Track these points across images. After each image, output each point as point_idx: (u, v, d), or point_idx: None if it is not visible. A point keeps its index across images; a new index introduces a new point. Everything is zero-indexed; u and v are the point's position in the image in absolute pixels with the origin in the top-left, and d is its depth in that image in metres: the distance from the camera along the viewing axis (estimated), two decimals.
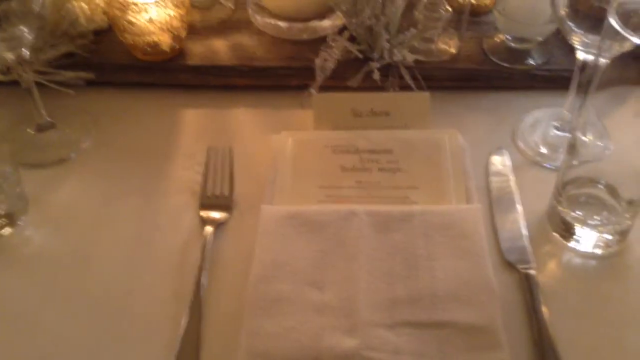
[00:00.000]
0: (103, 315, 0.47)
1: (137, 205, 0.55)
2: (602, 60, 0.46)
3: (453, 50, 0.65)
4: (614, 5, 0.43)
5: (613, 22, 0.42)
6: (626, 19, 0.47)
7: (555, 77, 0.63)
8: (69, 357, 0.45)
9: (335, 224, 0.49)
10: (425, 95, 0.58)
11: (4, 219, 0.52)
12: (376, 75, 0.58)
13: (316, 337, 0.42)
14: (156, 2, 0.58)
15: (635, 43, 0.43)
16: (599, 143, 0.50)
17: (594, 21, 0.53)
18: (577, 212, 0.50)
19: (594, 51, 0.52)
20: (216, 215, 0.53)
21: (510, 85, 0.64)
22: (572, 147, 0.49)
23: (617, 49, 0.45)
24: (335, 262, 0.47)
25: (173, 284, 0.48)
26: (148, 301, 0.48)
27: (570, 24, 0.51)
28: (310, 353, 0.42)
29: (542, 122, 0.61)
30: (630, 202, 0.49)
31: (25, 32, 0.52)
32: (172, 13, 0.60)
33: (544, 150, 0.58)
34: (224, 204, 0.54)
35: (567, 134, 0.59)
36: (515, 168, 0.57)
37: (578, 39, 0.52)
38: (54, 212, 0.54)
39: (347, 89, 0.61)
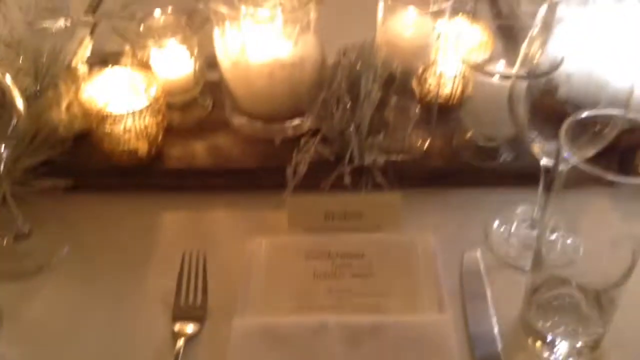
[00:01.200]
0: None
1: (110, 316, 0.55)
2: (562, 167, 0.47)
3: (423, 147, 0.66)
4: (567, 123, 0.45)
5: (563, 143, 0.43)
6: (584, 128, 0.48)
7: (524, 173, 0.64)
8: None
9: (306, 339, 0.49)
10: (397, 196, 0.59)
11: None
12: (347, 180, 0.59)
13: None
14: (132, 113, 0.60)
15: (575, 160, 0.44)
16: (569, 243, 0.51)
17: (554, 128, 0.55)
18: (549, 320, 0.50)
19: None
20: (189, 328, 0.53)
21: (481, 182, 0.65)
22: (538, 256, 0.50)
23: (578, 157, 0.46)
24: None
25: None
26: None
27: (531, 134, 0.53)
28: None
29: (514, 221, 0.61)
30: (601, 307, 0.49)
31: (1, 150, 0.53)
32: (148, 121, 0.62)
33: (516, 250, 0.59)
34: (197, 315, 0.54)
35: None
36: (488, 269, 0.58)
37: (539, 148, 0.53)
38: (28, 327, 0.54)
39: (320, 190, 0.62)
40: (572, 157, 0.43)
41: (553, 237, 0.50)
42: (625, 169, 0.51)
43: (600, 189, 0.46)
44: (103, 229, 0.63)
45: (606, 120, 0.49)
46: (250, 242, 0.59)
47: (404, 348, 0.48)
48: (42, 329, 0.54)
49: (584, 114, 0.46)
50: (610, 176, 0.41)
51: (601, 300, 0.48)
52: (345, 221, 0.59)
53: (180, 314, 0.54)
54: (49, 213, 0.62)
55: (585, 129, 0.48)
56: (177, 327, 0.53)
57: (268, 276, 0.55)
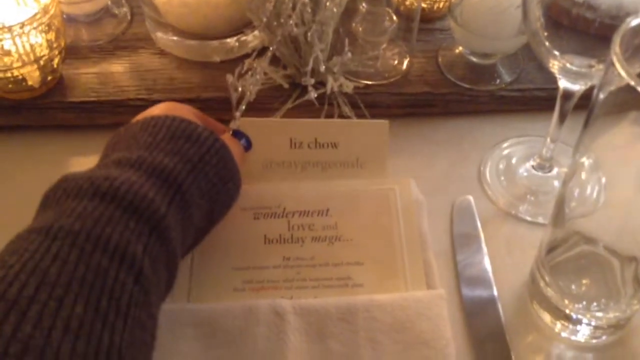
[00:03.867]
0: None
1: None
2: (602, 96, 0.34)
3: (402, 67, 0.53)
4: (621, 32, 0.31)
5: (617, 58, 0.30)
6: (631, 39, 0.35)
7: (527, 98, 0.52)
8: None
9: (255, 332, 0.37)
10: (384, 123, 0.46)
11: None
12: (311, 96, 0.45)
13: None
14: (9, 28, 0.44)
15: None
16: (592, 188, 0.39)
17: (575, 39, 0.42)
18: (566, 289, 0.39)
19: (580, 80, 0.41)
20: None
21: (474, 109, 0.52)
22: (560, 204, 0.38)
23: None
24: None
25: None
26: None
27: (549, 46, 0.39)
28: None
29: (515, 158, 0.49)
30: (637, 278, 0.38)
31: None
32: (36, 40, 0.46)
33: (519, 196, 0.47)
34: None
35: (547, 175, 0.48)
36: (485, 221, 0.46)
37: (558, 65, 0.40)
38: None
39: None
40: (627, 73, 0.30)
41: (577, 184, 0.38)
42: None
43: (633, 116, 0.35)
44: None
45: None
46: None
47: (384, 338, 0.36)
48: None
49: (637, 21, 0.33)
50: None
51: (638, 269, 0.37)
52: (316, 151, 0.46)
53: None
54: None
55: (635, 41, 0.35)
56: None
57: (203, 244, 0.42)
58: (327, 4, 0.44)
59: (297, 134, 0.46)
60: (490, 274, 0.43)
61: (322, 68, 0.47)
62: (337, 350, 0.36)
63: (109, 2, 0.56)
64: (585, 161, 0.36)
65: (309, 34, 0.46)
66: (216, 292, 0.40)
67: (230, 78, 0.45)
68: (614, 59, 0.29)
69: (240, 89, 0.46)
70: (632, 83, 0.29)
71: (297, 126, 0.47)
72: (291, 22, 0.45)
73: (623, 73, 0.29)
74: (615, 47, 0.30)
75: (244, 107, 0.45)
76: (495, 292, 0.42)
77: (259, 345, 0.37)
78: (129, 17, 0.57)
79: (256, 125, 0.46)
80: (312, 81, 0.46)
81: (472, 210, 0.46)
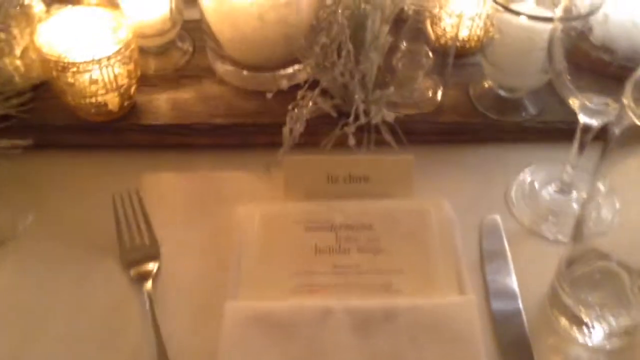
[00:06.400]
0: None
1: (80, 291, 0.48)
2: (617, 131, 0.39)
3: (437, 99, 0.59)
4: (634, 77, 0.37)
5: (628, 101, 0.35)
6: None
7: (550, 129, 0.57)
8: None
9: (309, 326, 0.42)
10: (410, 158, 0.52)
11: None
12: (351, 141, 0.51)
13: None
14: (98, 60, 0.51)
15: None
16: (611, 210, 0.44)
17: (594, 79, 0.47)
18: (583, 299, 0.44)
19: (597, 116, 0.47)
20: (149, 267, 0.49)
21: (501, 138, 0.58)
22: (580, 226, 0.43)
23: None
24: None
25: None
26: None
27: (570, 85, 0.45)
28: None
29: (538, 182, 0.55)
30: None
31: None
32: (118, 71, 0.53)
33: (542, 217, 0.52)
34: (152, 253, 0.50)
35: (567, 198, 0.53)
36: (511, 238, 0.51)
37: (578, 102, 0.46)
38: None
39: (320, 149, 0.54)
40: (635, 114, 0.36)
41: (597, 205, 0.43)
42: None
43: None
44: (71, 193, 0.55)
45: None
46: (240, 211, 0.51)
47: (423, 336, 0.42)
48: (6, 309, 0.47)
49: None
50: None
51: None
52: (350, 186, 0.52)
53: (133, 258, 0.49)
54: (8, 177, 0.54)
55: None
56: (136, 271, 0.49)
57: (262, 251, 0.48)
58: (371, 49, 0.50)
59: (333, 169, 0.52)
60: (516, 286, 0.48)
61: (363, 106, 0.53)
62: (381, 347, 0.42)
63: (175, 37, 0.63)
64: (601, 186, 0.42)
65: (353, 81, 0.52)
66: (273, 294, 0.46)
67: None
68: (625, 103, 0.35)
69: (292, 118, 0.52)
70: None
71: (333, 162, 0.52)
72: (336, 70, 0.51)
73: (632, 116, 0.35)
74: (627, 93, 0.36)
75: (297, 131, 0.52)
76: (520, 302, 0.47)
77: (312, 339, 0.42)
78: (191, 50, 0.64)
79: (297, 162, 0.52)
80: (353, 129, 0.52)
81: (499, 228, 0.52)
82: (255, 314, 0.43)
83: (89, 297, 0.48)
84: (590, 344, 0.44)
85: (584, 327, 0.44)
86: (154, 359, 0.43)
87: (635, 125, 0.36)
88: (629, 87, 0.36)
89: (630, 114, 0.35)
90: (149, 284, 0.47)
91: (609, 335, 0.44)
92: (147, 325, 0.45)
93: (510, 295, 0.47)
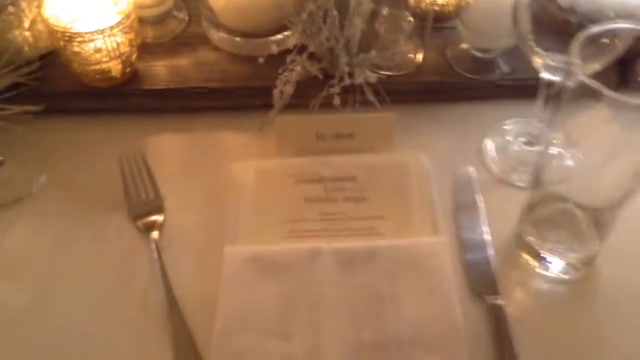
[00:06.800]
0: None
1: (91, 244, 0.53)
2: (570, 83, 0.44)
3: (417, 61, 0.63)
4: (579, 37, 0.41)
5: (575, 59, 0.40)
6: (592, 42, 0.45)
7: (521, 86, 0.62)
8: None
9: (300, 265, 0.48)
10: (392, 115, 0.57)
11: None
12: (336, 101, 0.56)
13: None
14: (102, 30, 0.55)
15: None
16: (568, 159, 0.49)
17: (558, 39, 0.51)
18: (545, 237, 0.50)
19: (559, 72, 0.51)
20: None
21: (476, 96, 0.62)
22: (538, 173, 0.48)
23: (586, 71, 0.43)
24: (300, 308, 0.46)
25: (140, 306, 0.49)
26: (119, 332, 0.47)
27: (532, 44, 0.50)
28: None
29: (509, 136, 0.59)
30: (599, 225, 0.48)
31: None
32: (120, 39, 0.57)
33: (510, 166, 0.57)
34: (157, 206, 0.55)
35: (535, 149, 0.58)
36: (483, 186, 0.56)
37: (541, 61, 0.50)
38: (8, 260, 0.52)
39: (308, 109, 0.59)
40: (581, 72, 0.40)
41: (552, 152, 0.48)
42: (625, 78, 0.49)
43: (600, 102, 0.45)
44: (80, 155, 0.59)
45: (616, 34, 0.45)
46: (236, 167, 0.56)
47: (399, 272, 0.47)
48: (21, 260, 0.52)
49: (596, 28, 0.43)
50: (612, 93, 0.39)
51: (600, 218, 0.47)
52: (337, 142, 0.57)
53: (140, 211, 0.54)
54: (21, 141, 0.58)
55: (594, 43, 0.45)
56: (142, 222, 0.53)
57: (257, 202, 0.53)
58: (354, 15, 0.55)
59: (321, 127, 0.57)
60: (486, 229, 0.53)
61: (347, 69, 0.57)
62: (363, 281, 0.47)
63: (172, 7, 0.67)
64: (558, 137, 0.47)
65: (338, 46, 0.56)
66: (267, 239, 0.51)
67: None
68: (572, 60, 0.40)
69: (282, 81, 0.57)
70: (584, 80, 0.39)
71: (321, 121, 0.57)
72: (322, 35, 0.56)
73: (578, 73, 0.39)
74: (574, 51, 0.40)
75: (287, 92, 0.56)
76: (489, 237, 0.52)
77: (303, 276, 0.47)
78: (187, 19, 0.68)
79: (287, 122, 0.57)
80: (338, 90, 0.56)
81: (472, 178, 0.57)
82: (251, 256, 0.49)
83: (102, 248, 0.53)
84: (549, 275, 0.50)
85: (544, 262, 0.50)
86: (162, 299, 0.49)
87: (583, 81, 0.40)
88: (575, 46, 0.40)
89: (577, 70, 0.39)
90: (155, 234, 0.53)
91: (566, 268, 0.49)
92: (155, 270, 0.50)
93: (479, 237, 0.52)
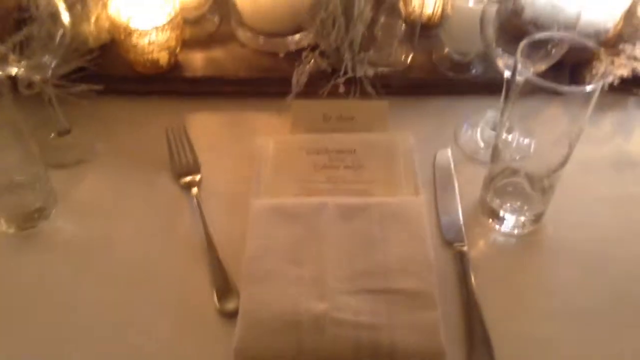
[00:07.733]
0: (129, 289, 0.58)
1: (143, 195, 0.66)
2: (519, 79, 0.57)
3: (407, 61, 0.77)
4: (523, 42, 0.55)
5: (519, 59, 0.54)
6: (538, 47, 0.59)
7: (492, 84, 0.74)
8: (103, 328, 0.56)
9: (309, 214, 0.61)
10: (385, 103, 0.70)
11: (38, 213, 0.63)
12: (341, 89, 0.70)
13: (296, 302, 0.55)
14: (156, 27, 0.69)
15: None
16: (522, 141, 0.63)
17: (517, 45, 0.65)
18: (502, 201, 0.63)
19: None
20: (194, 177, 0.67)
21: (455, 91, 0.76)
22: (496, 151, 0.62)
23: (534, 70, 0.57)
24: (309, 244, 0.59)
25: (185, 243, 0.62)
26: (167, 261, 0.60)
27: (497, 50, 0.63)
28: (292, 314, 0.54)
29: (480, 124, 0.73)
30: (543, 191, 0.62)
31: (50, 58, 0.62)
32: (169, 35, 0.71)
33: (480, 148, 0.71)
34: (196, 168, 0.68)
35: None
36: (457, 163, 0.70)
37: (503, 62, 0.64)
38: (79, 206, 0.65)
39: (318, 96, 0.73)
40: (527, 70, 0.54)
41: (510, 137, 0.62)
42: (575, 80, 0.62)
43: (552, 97, 0.58)
44: (132, 127, 0.73)
45: (556, 41, 0.59)
46: (259, 141, 0.70)
47: (387, 221, 0.61)
48: (91, 207, 0.65)
49: (538, 35, 0.57)
50: (558, 87, 0.52)
51: (543, 184, 0.61)
52: (340, 123, 0.70)
53: (182, 171, 0.67)
54: (85, 113, 0.72)
55: (540, 48, 0.59)
56: (184, 181, 0.66)
57: (275, 168, 0.67)
58: (357, 22, 0.69)
59: (328, 111, 0.71)
60: (457, 194, 0.67)
61: (350, 64, 0.71)
62: (359, 228, 0.60)
63: (207, 10, 0.81)
64: (507, 122, 0.60)
65: (343, 45, 0.70)
66: (283, 195, 0.65)
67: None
68: (516, 60, 0.53)
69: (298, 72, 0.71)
70: (528, 78, 0.52)
71: (328, 106, 0.71)
72: (331, 37, 0.70)
73: (522, 70, 0.53)
74: (519, 51, 0.54)
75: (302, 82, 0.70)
76: (459, 200, 0.66)
77: (311, 223, 0.61)
78: (219, 20, 0.82)
79: (301, 105, 0.70)
80: (343, 80, 0.70)
81: (449, 156, 0.70)
82: (271, 207, 0.62)
83: (152, 201, 0.66)
84: (505, 231, 0.63)
85: (501, 220, 0.63)
86: (202, 239, 0.61)
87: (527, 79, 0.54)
88: (519, 48, 0.54)
89: (520, 68, 0.53)
90: (194, 190, 0.66)
91: (518, 224, 0.63)
92: (196, 218, 0.63)
93: (452, 200, 0.66)
